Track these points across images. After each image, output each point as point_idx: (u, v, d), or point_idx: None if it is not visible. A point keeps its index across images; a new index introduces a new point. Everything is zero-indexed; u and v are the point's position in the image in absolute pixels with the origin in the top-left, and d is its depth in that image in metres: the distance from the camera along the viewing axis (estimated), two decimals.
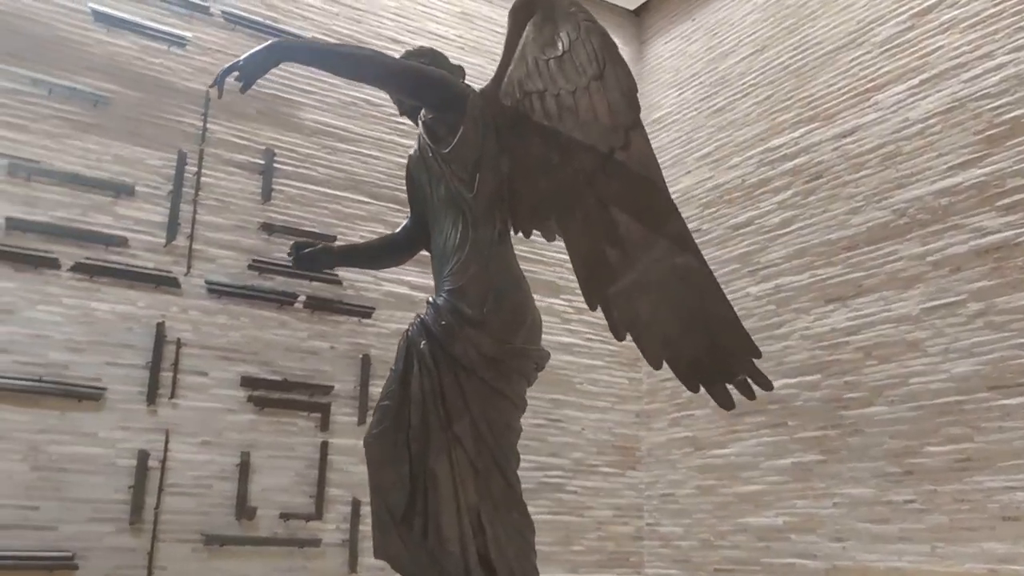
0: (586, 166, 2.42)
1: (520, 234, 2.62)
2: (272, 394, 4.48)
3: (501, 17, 6.00)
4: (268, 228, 4.66)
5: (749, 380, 2.34)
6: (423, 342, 2.49)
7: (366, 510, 3.53)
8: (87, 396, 4.02)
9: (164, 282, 4.31)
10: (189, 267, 4.40)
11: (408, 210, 2.89)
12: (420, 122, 2.64)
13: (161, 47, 4.59)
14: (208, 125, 4.62)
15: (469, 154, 2.51)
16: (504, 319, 2.51)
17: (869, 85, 4.67)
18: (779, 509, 4.66)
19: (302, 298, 4.68)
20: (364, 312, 4.85)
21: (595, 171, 2.41)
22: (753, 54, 5.54)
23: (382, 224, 5.06)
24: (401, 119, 5.22)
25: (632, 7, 6.63)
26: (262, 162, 4.74)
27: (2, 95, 4.14)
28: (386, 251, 3.04)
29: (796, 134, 5.07)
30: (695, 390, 2.39)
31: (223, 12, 4.81)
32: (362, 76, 2.61)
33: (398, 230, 2.96)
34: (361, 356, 4.78)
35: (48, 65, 4.27)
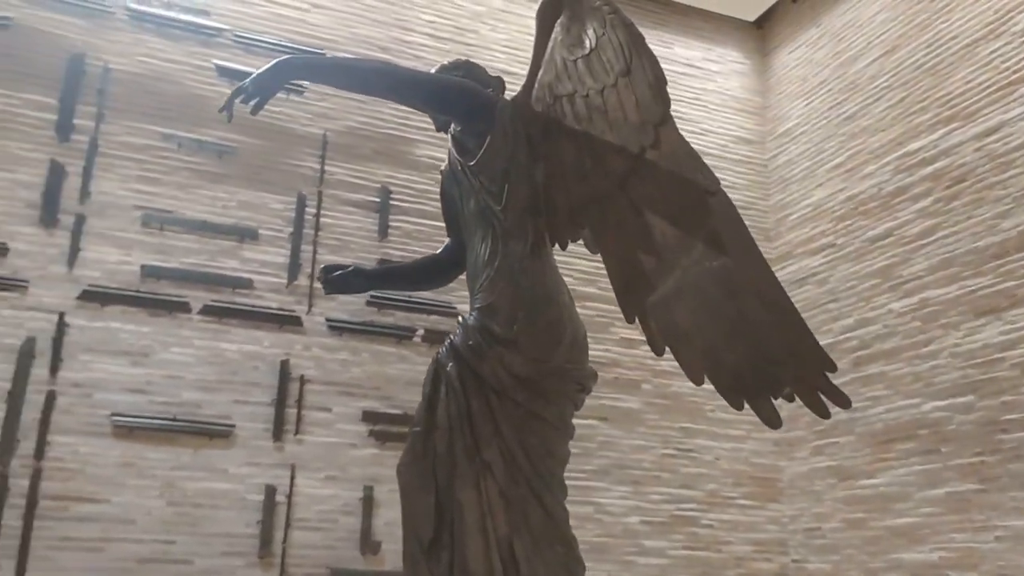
0: (617, 169, 2.26)
1: (557, 246, 2.49)
2: (393, 428, 4.56)
3: None
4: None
5: (823, 397, 2.08)
6: (450, 364, 2.39)
7: None
8: (218, 434, 4.23)
9: (287, 321, 4.49)
10: (310, 306, 4.58)
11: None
12: (450, 135, 2.54)
13: (280, 96, 4.81)
14: (326, 167, 4.82)
15: (497, 165, 2.41)
16: (537, 336, 2.37)
17: (1013, 77, 4.33)
18: (935, 544, 4.29)
19: (420, 332, 4.76)
20: None
21: (627, 174, 2.24)
22: (884, 55, 5.26)
23: None
24: None
25: (752, 18, 6.45)
26: (378, 200, 4.89)
27: (136, 151, 4.47)
28: (427, 272, 2.88)
29: (934, 136, 4.75)
30: (738, 407, 2.16)
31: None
32: (376, 90, 2.51)
33: (440, 250, 2.83)
34: None
35: (177, 121, 4.58)
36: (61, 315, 4.10)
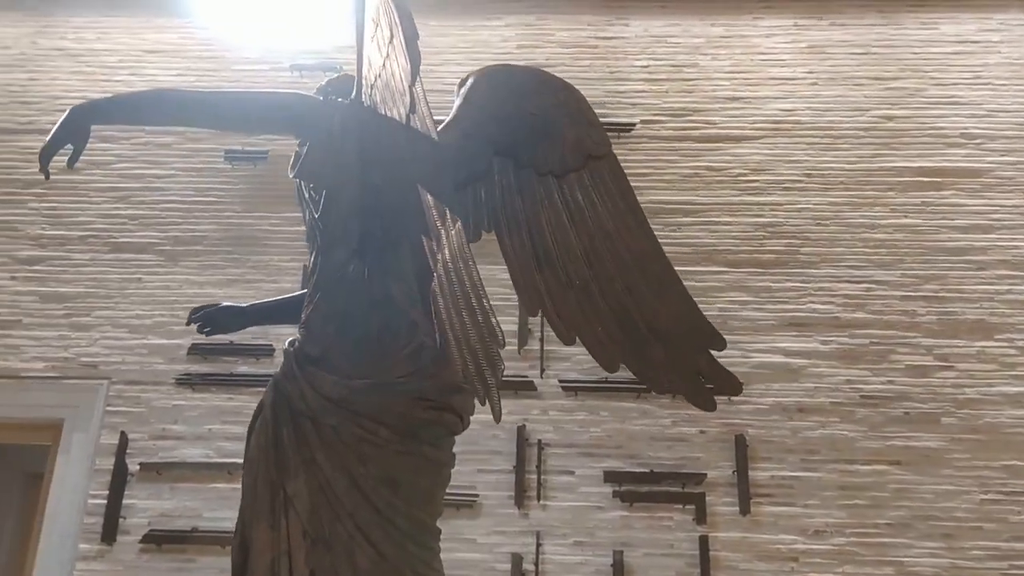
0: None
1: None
2: (640, 487, 4.43)
3: (856, 38, 5.57)
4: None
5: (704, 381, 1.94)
6: (270, 394, 2.19)
7: None
8: (464, 504, 4.41)
9: (521, 386, 4.62)
10: (543, 369, 4.66)
11: None
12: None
13: None
14: None
15: (318, 170, 2.26)
16: (351, 351, 2.14)
17: None
18: None
19: None
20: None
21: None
22: None
23: (744, 292, 4.84)
24: (749, 178, 5.09)
25: None
26: None
27: None
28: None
29: None
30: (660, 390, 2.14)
31: None
32: (197, 121, 2.45)
33: None
34: (735, 437, 4.48)
35: None
36: None
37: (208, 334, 2.63)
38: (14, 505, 6.40)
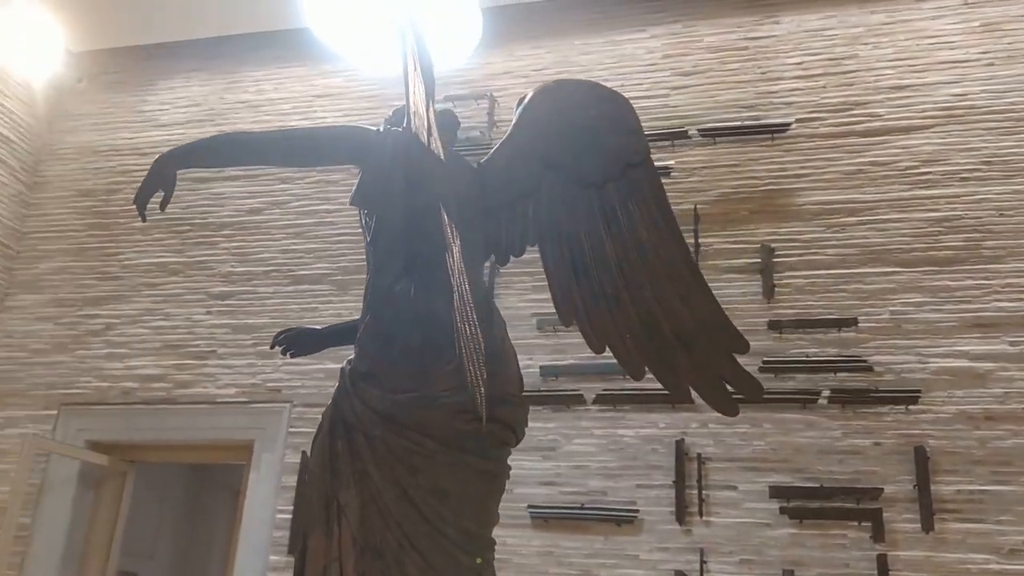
0: None
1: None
2: (810, 503, 4.21)
3: None
4: (776, 326, 4.54)
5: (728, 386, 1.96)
6: (329, 410, 2.30)
7: None
8: (625, 520, 4.37)
9: (678, 400, 4.50)
10: None
11: None
12: None
13: None
14: (700, 240, 4.83)
15: (370, 198, 2.35)
16: (395, 365, 2.19)
17: None
18: None
19: (826, 393, 4.38)
20: (910, 397, 4.26)
21: None
22: None
23: (919, 292, 4.53)
24: (920, 171, 4.76)
25: None
26: (759, 260, 4.72)
27: (527, 265, 5.00)
28: None
29: None
30: (683, 398, 2.15)
31: (699, 131, 5.08)
32: (272, 159, 2.60)
33: None
34: (914, 449, 4.17)
35: None
36: None
37: (292, 356, 2.79)
38: (222, 519, 7.00)
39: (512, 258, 2.49)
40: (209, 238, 5.72)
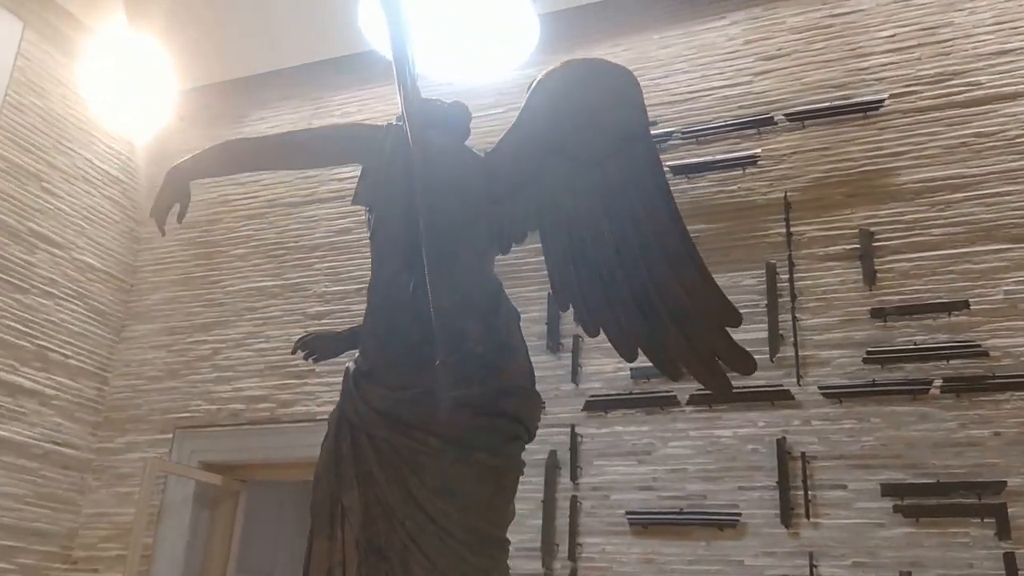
0: None
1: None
2: (926, 501, 3.93)
3: None
4: (879, 313, 4.28)
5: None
6: (334, 414, 2.30)
7: None
8: (727, 524, 4.19)
9: (777, 396, 4.32)
10: (799, 376, 4.32)
11: None
12: None
13: (736, 173, 4.87)
14: (792, 229, 4.61)
15: (369, 194, 2.32)
16: (396, 363, 2.15)
17: None
18: None
19: (939, 382, 4.09)
20: None
21: None
22: None
23: None
24: (988, 146, 4.43)
25: None
26: (858, 246, 4.46)
27: None
28: None
29: None
30: (675, 377, 2.16)
31: (786, 116, 4.87)
32: (281, 162, 2.61)
33: None
34: None
35: None
36: (572, 427, 4.64)
37: (315, 361, 2.82)
38: None
39: (514, 245, 2.44)
40: (303, 260, 5.86)
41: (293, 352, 2.81)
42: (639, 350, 2.25)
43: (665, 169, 4.33)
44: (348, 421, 2.23)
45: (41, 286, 5.65)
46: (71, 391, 5.81)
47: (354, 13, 4.60)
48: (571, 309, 2.37)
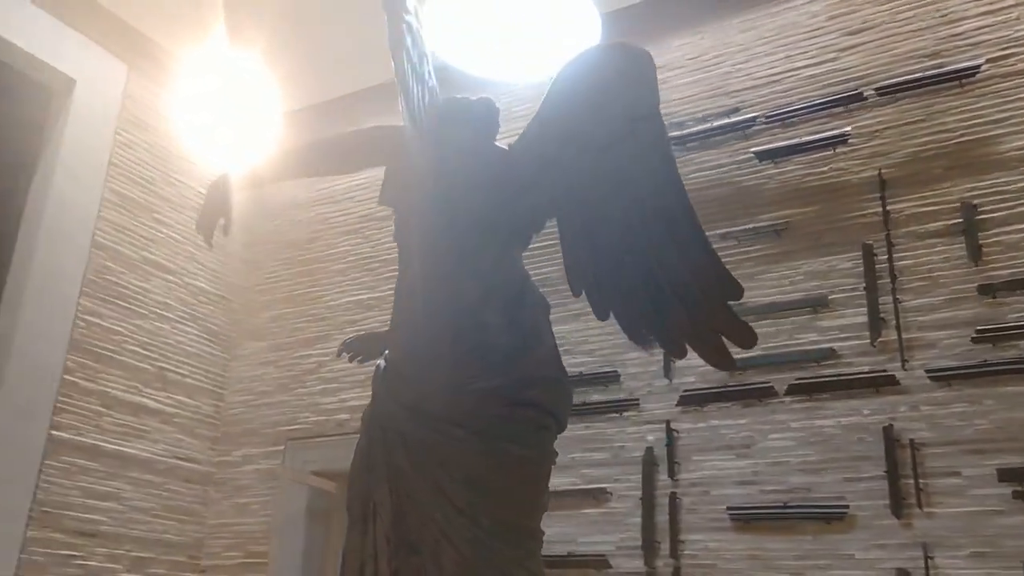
0: None
1: None
2: None
3: None
4: (987, 290, 4.05)
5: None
6: (367, 412, 2.41)
7: None
8: (834, 516, 4.04)
9: (881, 382, 4.14)
10: (904, 360, 4.12)
11: None
12: None
13: (826, 153, 4.71)
14: (888, 207, 4.42)
15: (391, 194, 2.41)
16: (419, 357, 2.21)
17: None
18: None
19: None
20: None
21: None
22: None
23: None
24: None
25: None
26: (960, 220, 4.23)
27: None
28: None
29: None
30: (678, 355, 2.18)
31: (876, 90, 4.67)
32: (300, 171, 2.73)
33: None
34: None
35: (731, 218, 4.85)
36: (667, 422, 4.57)
37: (360, 362, 2.88)
38: None
39: (533, 236, 2.45)
40: (396, 271, 5.99)
41: (338, 355, 2.88)
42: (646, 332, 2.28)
43: (751, 155, 4.25)
44: (378, 418, 2.29)
45: (157, 311, 5.98)
46: (190, 408, 6.12)
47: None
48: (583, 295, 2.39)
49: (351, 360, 2.91)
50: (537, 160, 2.34)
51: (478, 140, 2.44)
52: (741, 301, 4.52)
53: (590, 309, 2.33)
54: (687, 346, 2.20)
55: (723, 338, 2.19)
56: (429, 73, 2.41)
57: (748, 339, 2.19)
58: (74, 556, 5.21)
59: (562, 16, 4.12)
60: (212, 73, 6.34)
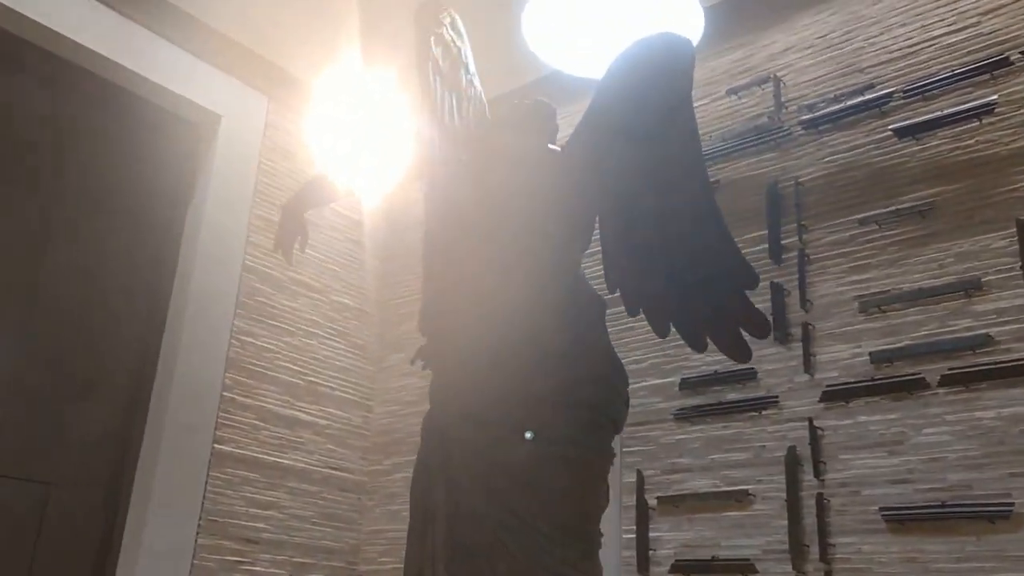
0: None
1: None
2: None
3: None
4: None
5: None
6: (425, 420, 2.48)
7: None
8: (998, 515, 3.74)
9: (698, 350, 3.77)
10: None
11: None
12: None
13: (971, 125, 4.38)
14: None
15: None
16: (470, 363, 2.27)
17: None
18: None
19: None
20: None
21: None
22: None
23: None
24: None
25: None
26: None
27: (841, 246, 4.62)
28: None
29: None
30: (699, 348, 2.17)
31: (1022, 53, 4.30)
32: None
33: None
34: None
35: (870, 201, 4.59)
36: (810, 420, 4.36)
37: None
38: None
39: (590, 235, 2.48)
40: None
41: (412, 363, 2.88)
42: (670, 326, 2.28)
43: (889, 133, 4.04)
44: (434, 425, 2.35)
45: (306, 328, 6.29)
46: (341, 420, 6.40)
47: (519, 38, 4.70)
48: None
49: (423, 368, 2.88)
50: (583, 159, 2.34)
51: (531, 143, 2.47)
52: (886, 289, 4.32)
53: None
54: (707, 339, 2.23)
55: (740, 329, 2.23)
56: (470, 82, 2.46)
57: (762, 330, 2.21)
58: (241, 562, 5.56)
59: (667, 12, 4.04)
60: (347, 96, 6.65)
